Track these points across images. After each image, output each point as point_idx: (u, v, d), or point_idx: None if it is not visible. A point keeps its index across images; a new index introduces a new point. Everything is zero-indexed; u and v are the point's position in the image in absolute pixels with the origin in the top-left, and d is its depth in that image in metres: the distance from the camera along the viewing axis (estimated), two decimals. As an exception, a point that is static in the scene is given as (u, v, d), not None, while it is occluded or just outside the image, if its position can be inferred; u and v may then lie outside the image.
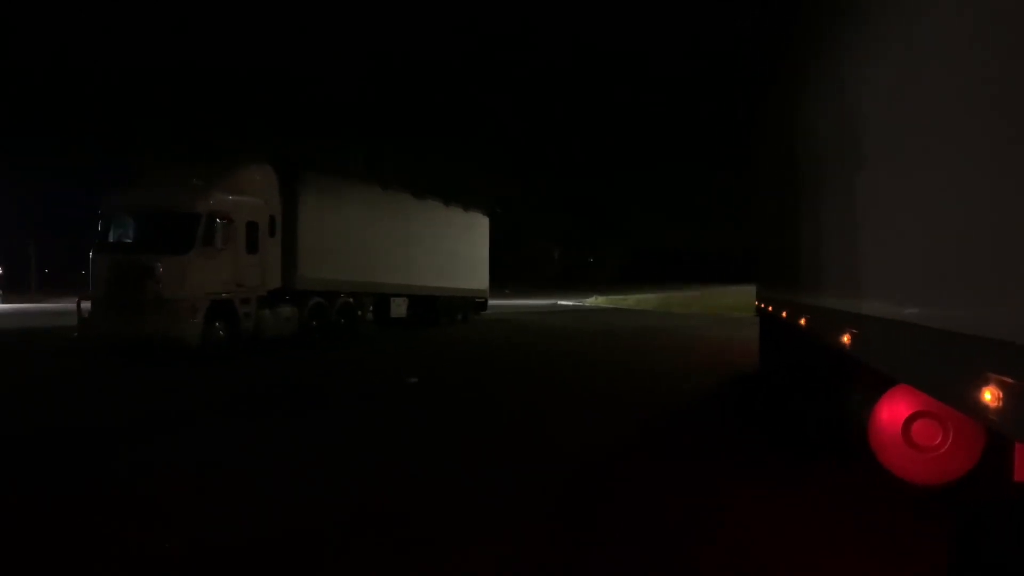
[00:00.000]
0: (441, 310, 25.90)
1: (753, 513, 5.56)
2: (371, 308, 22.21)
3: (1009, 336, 2.34)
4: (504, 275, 41.13)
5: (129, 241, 15.52)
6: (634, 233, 71.17)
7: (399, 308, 23.65)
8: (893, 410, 4.45)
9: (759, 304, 13.00)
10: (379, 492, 6.13)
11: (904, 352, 3.60)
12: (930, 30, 3.29)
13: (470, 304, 28.61)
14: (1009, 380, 2.31)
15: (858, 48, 4.96)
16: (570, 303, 45.94)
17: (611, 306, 44.32)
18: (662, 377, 13.37)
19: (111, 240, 15.63)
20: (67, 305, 17.49)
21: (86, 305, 15.20)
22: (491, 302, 31.74)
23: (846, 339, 5.05)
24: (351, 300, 20.52)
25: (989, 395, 2.43)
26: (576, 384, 12.73)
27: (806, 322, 7.14)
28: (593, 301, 44.52)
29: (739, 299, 31.35)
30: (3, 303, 41.38)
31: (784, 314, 8.95)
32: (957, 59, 2.90)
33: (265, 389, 11.81)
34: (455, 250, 27.32)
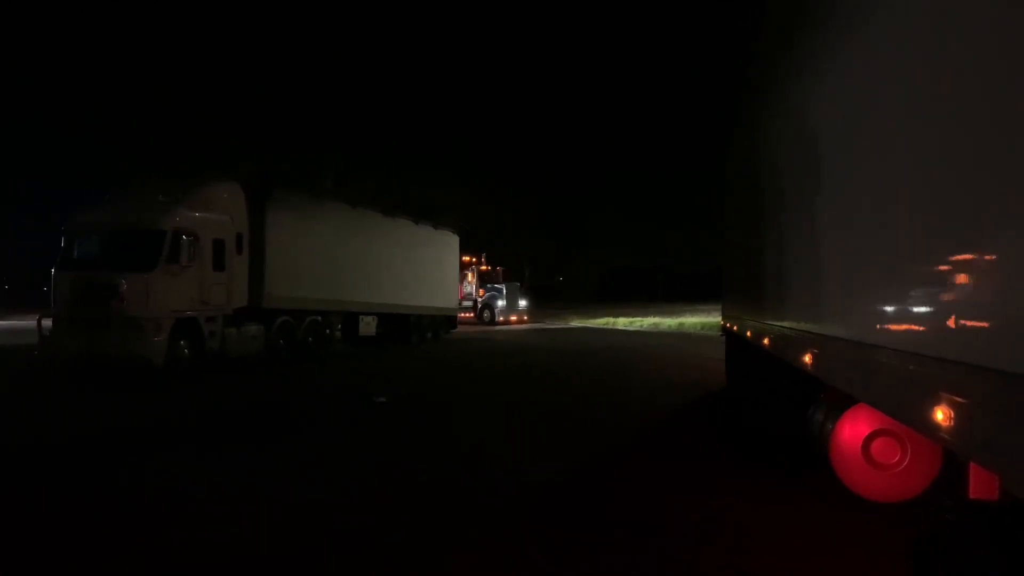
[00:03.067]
0: (411, 328, 25.80)
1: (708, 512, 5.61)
2: (340, 326, 22.06)
3: (959, 356, 2.39)
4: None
5: (93, 258, 15.26)
6: (609, 251, 71.29)
7: (368, 326, 23.52)
8: (853, 428, 4.53)
9: (724, 323, 13.14)
10: (332, 517, 6.09)
11: (862, 372, 3.66)
12: (879, 50, 3.38)
13: (440, 322, 28.54)
14: (959, 400, 2.36)
15: (811, 70, 5.07)
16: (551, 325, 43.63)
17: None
18: (632, 394, 13.43)
19: (75, 257, 15.39)
20: (28, 323, 17.17)
21: (47, 323, 14.94)
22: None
23: (807, 359, 5.12)
24: (319, 318, 20.35)
25: (941, 414, 2.48)
26: (550, 405, 12.74)
27: (769, 342, 7.23)
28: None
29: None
30: (-38, 321, 40.49)
31: (748, 333, 9.05)
32: (908, 85, 2.98)
33: (225, 412, 11.64)
34: (425, 268, 27.27)
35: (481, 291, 42.42)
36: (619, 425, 10.52)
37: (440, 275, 28.59)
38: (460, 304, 38.97)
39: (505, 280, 43.83)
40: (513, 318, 42.47)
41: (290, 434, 9.72)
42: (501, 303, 42.13)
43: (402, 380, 16.17)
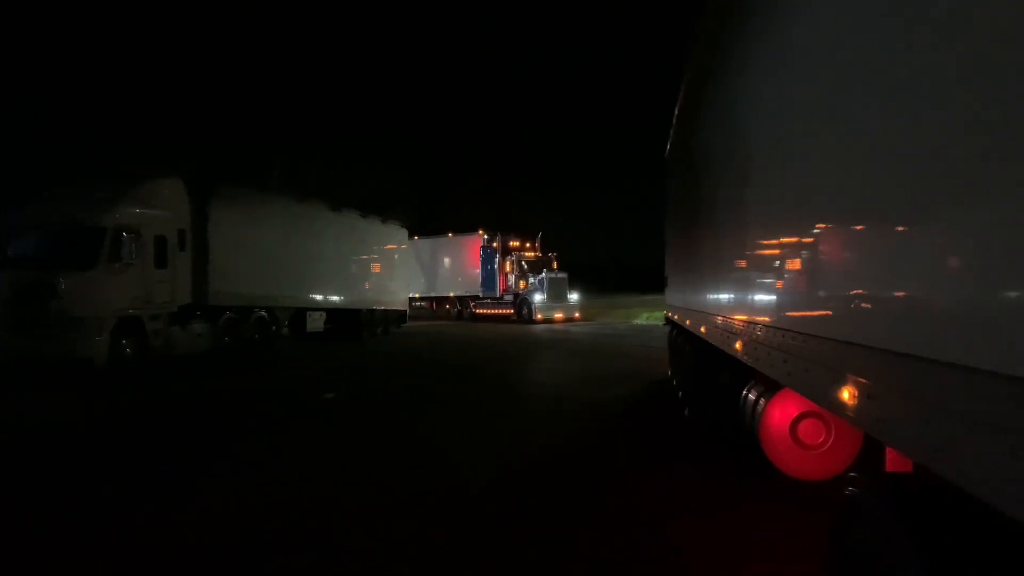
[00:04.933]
0: (360, 323, 25.70)
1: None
2: (287, 322, 21.91)
3: (859, 339, 2.56)
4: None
5: (31, 257, 14.90)
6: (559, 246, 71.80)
7: (316, 322, 23.39)
8: (782, 411, 4.73)
9: (667, 313, 13.38)
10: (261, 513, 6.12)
11: (782, 356, 3.83)
12: (799, 37, 3.54)
13: (390, 317, 28.48)
14: (863, 380, 2.53)
15: (737, 61, 5.25)
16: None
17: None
18: (569, 387, 13.61)
19: (12, 256, 15.01)
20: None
21: (-17, 324, 14.55)
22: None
23: (738, 346, 5.31)
24: (265, 315, 20.15)
25: (847, 394, 2.65)
26: (500, 398, 12.85)
27: (706, 330, 7.43)
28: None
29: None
30: None
31: (688, 323, 9.26)
32: (824, 77, 3.14)
33: (167, 411, 11.53)
34: (373, 263, 27.23)
35: (523, 283, 36.13)
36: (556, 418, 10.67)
37: (389, 270, 28.57)
38: (501, 298, 36.33)
39: (558, 270, 36.78)
40: (558, 315, 35.74)
41: (237, 430, 9.68)
42: (539, 297, 35.41)
43: (350, 376, 16.14)
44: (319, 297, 23.28)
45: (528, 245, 37.66)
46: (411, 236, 32.16)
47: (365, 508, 6.08)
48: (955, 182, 1.79)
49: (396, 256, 29.48)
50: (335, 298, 24.11)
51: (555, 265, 36.83)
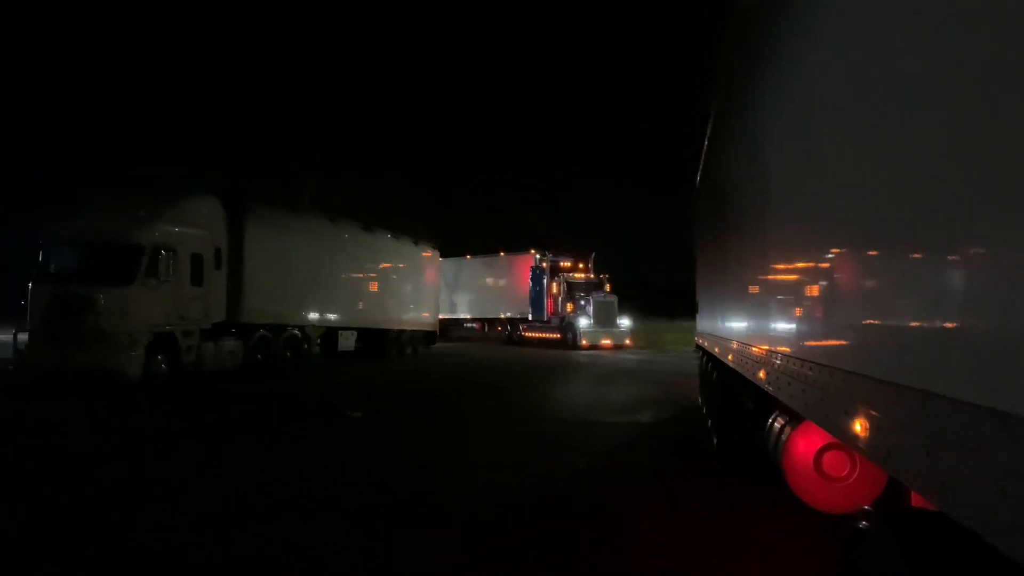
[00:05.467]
0: (390, 343, 25.87)
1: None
2: (318, 340, 22.13)
3: (866, 370, 2.58)
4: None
5: (71, 272, 15.28)
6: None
7: (347, 341, 23.59)
8: (806, 441, 4.69)
9: (698, 340, 13.33)
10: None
11: (801, 386, 3.84)
12: (809, 90, 3.58)
13: (419, 337, 28.62)
14: (873, 412, 2.54)
15: (757, 95, 5.29)
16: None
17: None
18: (592, 411, 13.56)
19: (52, 271, 15.40)
20: (3, 337, 17.09)
21: (23, 337, 14.91)
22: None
23: (762, 374, 5.30)
24: (297, 333, 20.41)
25: (859, 425, 2.66)
26: (520, 422, 12.85)
27: (732, 357, 7.41)
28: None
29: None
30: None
31: (716, 349, 9.24)
32: (843, 112, 3.18)
33: (199, 425, 11.65)
34: (404, 283, 27.44)
35: (570, 306, 33.96)
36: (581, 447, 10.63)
37: (419, 290, 28.75)
38: (549, 321, 34.54)
39: (609, 293, 34.22)
40: (605, 341, 32.96)
41: (264, 448, 9.79)
42: (584, 322, 33.02)
43: (379, 395, 16.22)
44: (351, 316, 23.49)
45: (581, 266, 36.01)
46: (443, 255, 32.31)
47: (384, 520, 6.14)
48: (973, 222, 1.80)
49: (426, 277, 29.67)
50: (366, 317, 24.31)
51: (608, 288, 34.62)
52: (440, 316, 38.98)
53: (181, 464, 8.59)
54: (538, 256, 35.64)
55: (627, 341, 33.84)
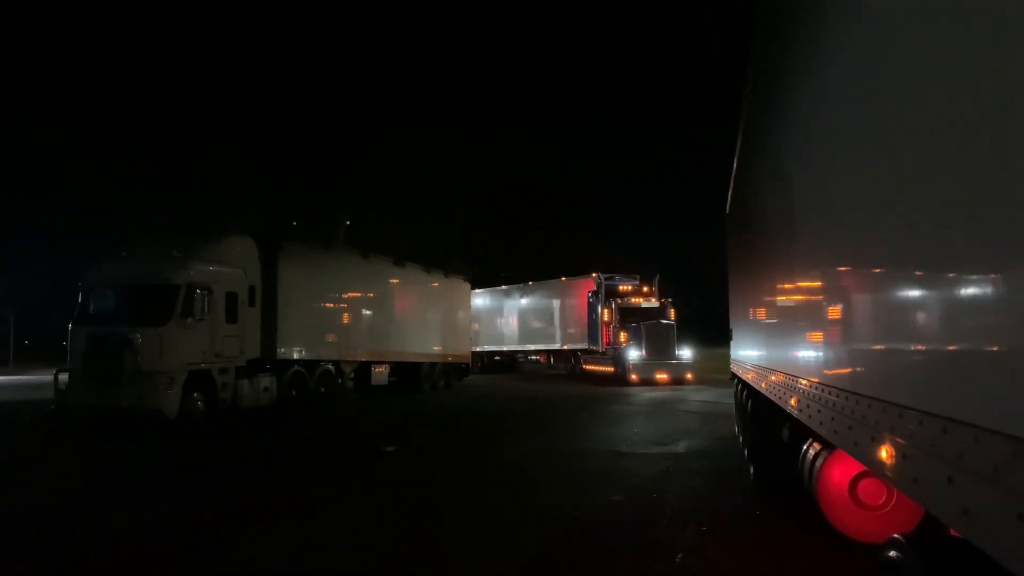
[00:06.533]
0: (423, 377, 25.88)
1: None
2: (352, 375, 22.24)
3: (889, 397, 2.56)
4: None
5: (109, 313, 15.57)
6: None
7: (380, 376, 23.67)
8: (840, 470, 4.63)
9: (732, 368, 13.21)
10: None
11: (831, 414, 3.80)
12: (834, 115, 3.59)
13: (452, 370, 28.60)
14: (898, 439, 2.52)
15: (782, 122, 5.30)
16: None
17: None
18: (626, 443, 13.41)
19: (91, 312, 15.69)
20: (46, 378, 17.44)
21: (64, 377, 15.17)
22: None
23: (794, 402, 5.25)
24: (331, 368, 20.53)
25: (885, 453, 2.63)
26: (552, 452, 12.78)
27: (766, 385, 7.35)
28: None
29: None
30: (-19, 375, 40.87)
31: (750, 376, 9.16)
32: (867, 145, 3.18)
33: (237, 461, 11.77)
34: (436, 316, 27.52)
35: (623, 334, 29.34)
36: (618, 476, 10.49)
37: (452, 323, 28.80)
38: (604, 352, 30.43)
39: (668, 319, 29.40)
40: (660, 375, 27.90)
41: (302, 482, 9.84)
42: (634, 354, 28.25)
43: (412, 430, 16.24)
44: (384, 351, 23.58)
45: (645, 289, 31.45)
46: (474, 287, 32.09)
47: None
48: (1001, 252, 1.75)
49: (459, 309, 29.73)
50: (399, 351, 24.36)
51: (672, 314, 29.84)
52: (502, 348, 38.50)
53: (229, 502, 8.66)
54: (598, 280, 31.79)
55: (688, 375, 28.34)
